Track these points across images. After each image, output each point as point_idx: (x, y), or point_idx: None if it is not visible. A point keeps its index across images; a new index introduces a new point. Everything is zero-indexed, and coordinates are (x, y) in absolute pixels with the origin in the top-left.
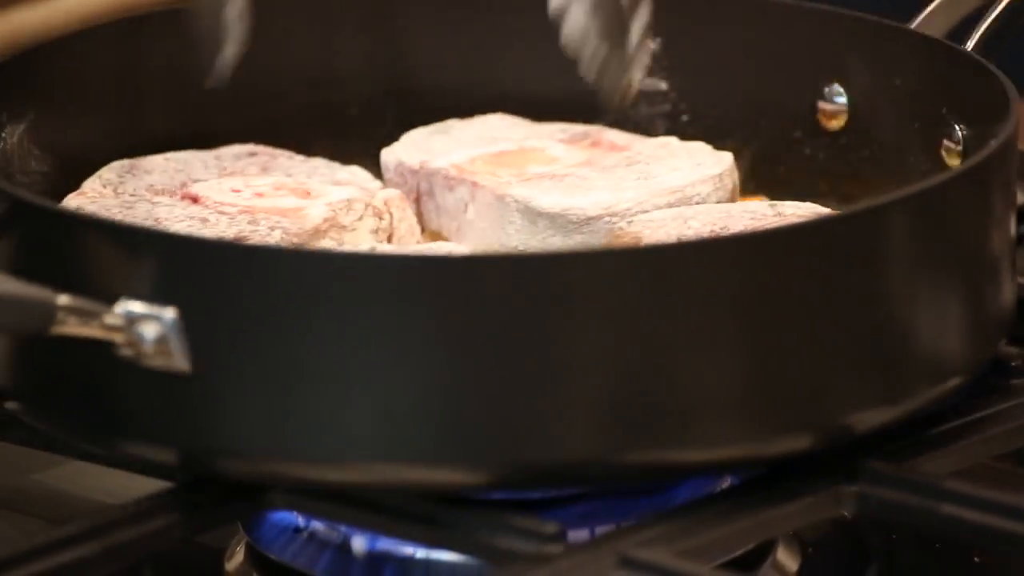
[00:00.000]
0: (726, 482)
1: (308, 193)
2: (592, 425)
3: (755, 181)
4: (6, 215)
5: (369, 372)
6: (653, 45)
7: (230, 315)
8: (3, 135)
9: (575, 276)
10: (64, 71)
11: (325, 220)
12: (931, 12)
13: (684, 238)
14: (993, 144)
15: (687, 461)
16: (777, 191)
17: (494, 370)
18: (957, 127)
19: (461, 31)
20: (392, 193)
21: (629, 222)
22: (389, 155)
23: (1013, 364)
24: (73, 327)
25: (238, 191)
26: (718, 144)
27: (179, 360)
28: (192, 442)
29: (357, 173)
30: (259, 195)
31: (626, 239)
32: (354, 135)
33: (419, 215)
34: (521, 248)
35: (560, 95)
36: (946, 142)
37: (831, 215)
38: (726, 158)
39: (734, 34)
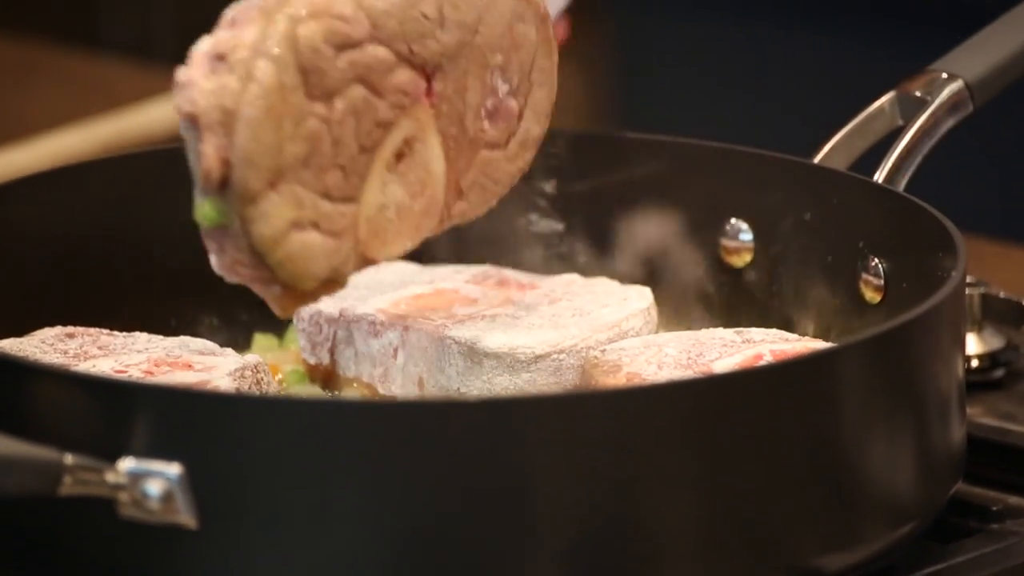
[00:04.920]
0: None
1: (190, 366)
2: (558, 568)
3: (658, 317)
4: (5, 377)
5: (344, 516)
6: (548, 187)
7: (238, 468)
8: None
9: (542, 419)
10: None
11: (237, 392)
12: (832, 147)
13: (664, 365)
14: (947, 287)
15: None
16: (681, 328)
17: (464, 513)
18: (877, 261)
19: None
20: (256, 358)
21: (603, 351)
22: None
23: (994, 508)
24: (79, 487)
25: (123, 371)
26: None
27: (186, 517)
28: None
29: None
30: (148, 372)
31: (604, 368)
32: (245, 290)
33: (333, 364)
34: (463, 391)
35: (443, 240)
36: (865, 275)
37: (791, 358)
38: (646, 292)
39: (631, 174)
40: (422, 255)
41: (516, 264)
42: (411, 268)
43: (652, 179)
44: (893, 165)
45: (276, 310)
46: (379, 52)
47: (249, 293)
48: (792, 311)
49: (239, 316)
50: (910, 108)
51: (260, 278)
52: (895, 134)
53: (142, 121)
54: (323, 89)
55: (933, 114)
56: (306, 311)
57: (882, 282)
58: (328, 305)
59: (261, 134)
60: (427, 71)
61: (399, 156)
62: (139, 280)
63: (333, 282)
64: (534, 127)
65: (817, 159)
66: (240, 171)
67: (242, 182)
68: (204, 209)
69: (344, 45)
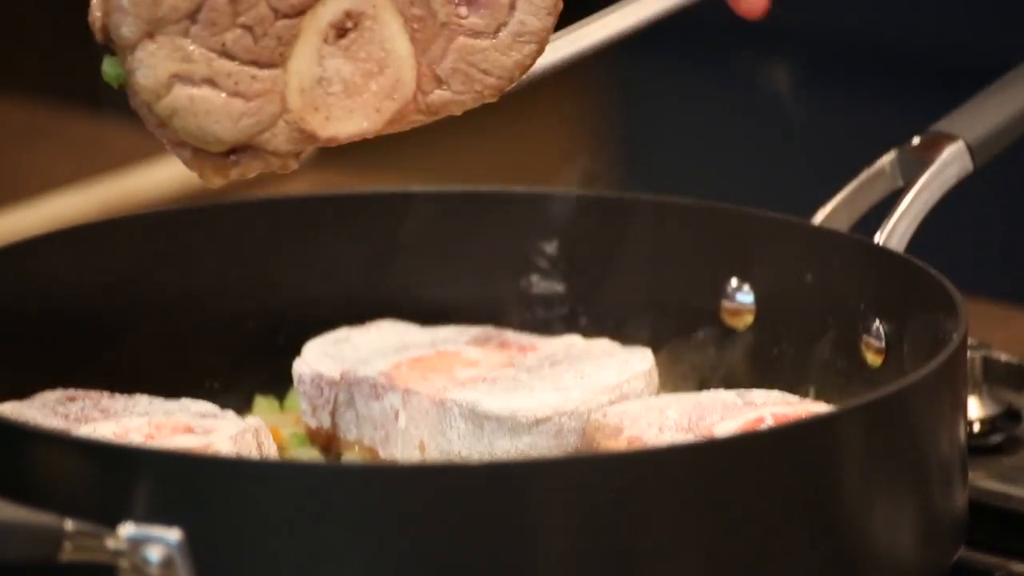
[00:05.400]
0: None
1: (190, 429)
2: None
3: (660, 379)
4: (5, 441)
5: None
6: (549, 248)
7: (238, 533)
8: None
9: (544, 483)
10: None
11: (237, 456)
12: (834, 208)
13: (666, 428)
14: (948, 350)
15: None
16: (682, 390)
17: None
18: (878, 323)
19: (346, 242)
20: (257, 421)
21: (604, 414)
22: (303, 367)
23: (996, 574)
24: (79, 553)
25: (124, 435)
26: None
27: None
28: None
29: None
30: (149, 436)
31: (606, 431)
32: (247, 352)
33: (334, 427)
34: (465, 454)
35: (444, 301)
36: (866, 337)
37: (792, 421)
38: (647, 354)
39: (632, 235)
40: (423, 316)
41: (517, 326)
42: (412, 330)
43: (652, 240)
44: (894, 226)
45: (202, 178)
46: None
47: (249, 355)
48: (793, 373)
49: (240, 378)
50: (911, 169)
51: (170, 139)
52: (896, 195)
53: (143, 183)
54: None
55: (934, 175)
56: (306, 374)
57: (883, 344)
58: (329, 368)
59: None
60: None
61: (342, 31)
62: (139, 342)
63: (258, 150)
64: (531, 19)
65: (818, 220)
66: (113, 18)
67: (115, 29)
68: (105, 67)
69: None
